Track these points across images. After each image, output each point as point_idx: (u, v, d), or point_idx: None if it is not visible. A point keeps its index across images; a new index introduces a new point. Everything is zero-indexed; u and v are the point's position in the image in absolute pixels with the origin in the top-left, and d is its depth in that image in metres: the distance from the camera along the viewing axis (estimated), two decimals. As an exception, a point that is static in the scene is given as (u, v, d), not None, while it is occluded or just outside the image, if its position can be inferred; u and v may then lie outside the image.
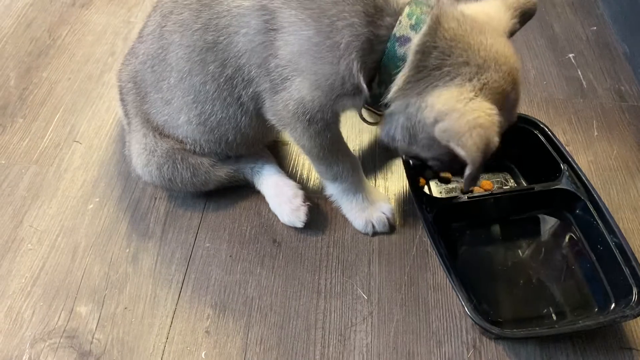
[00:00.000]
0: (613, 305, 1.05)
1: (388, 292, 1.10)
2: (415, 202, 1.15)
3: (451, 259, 1.06)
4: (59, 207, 1.23)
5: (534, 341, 1.04)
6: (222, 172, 1.20)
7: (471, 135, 0.87)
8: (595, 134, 1.40)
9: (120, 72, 1.22)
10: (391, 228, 1.19)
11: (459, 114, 0.89)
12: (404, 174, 1.23)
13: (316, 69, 0.94)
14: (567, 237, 1.18)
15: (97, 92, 1.48)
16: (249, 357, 1.02)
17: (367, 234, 1.18)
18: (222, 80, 1.04)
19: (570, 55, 1.62)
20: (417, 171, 1.21)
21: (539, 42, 1.65)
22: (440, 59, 0.91)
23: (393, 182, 1.29)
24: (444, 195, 1.26)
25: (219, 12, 0.99)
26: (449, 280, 1.04)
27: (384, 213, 1.17)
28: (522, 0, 1.03)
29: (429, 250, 1.16)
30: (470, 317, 0.99)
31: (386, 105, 0.98)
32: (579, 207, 1.17)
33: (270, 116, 1.05)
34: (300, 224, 1.17)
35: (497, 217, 1.21)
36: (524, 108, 1.43)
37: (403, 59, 0.92)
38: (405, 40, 0.91)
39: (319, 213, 1.22)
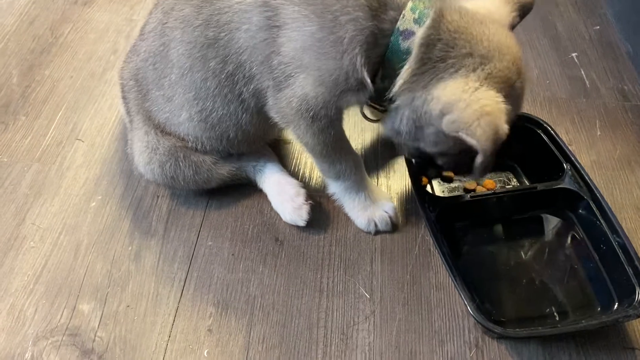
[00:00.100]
0: (616, 305, 1.05)
1: (390, 291, 1.10)
2: (417, 201, 1.15)
3: (454, 258, 1.06)
4: (61, 205, 1.23)
5: (537, 341, 1.04)
6: (225, 170, 1.20)
7: (479, 123, 0.88)
8: (598, 133, 1.40)
9: (122, 70, 1.22)
10: (393, 227, 1.18)
11: (466, 104, 0.89)
12: (407, 173, 1.23)
13: (320, 64, 0.94)
14: (570, 237, 1.18)
15: (100, 90, 1.48)
16: (251, 355, 1.02)
17: (369, 233, 1.18)
18: (223, 76, 1.04)
19: (573, 54, 1.61)
20: (419, 170, 1.20)
21: (542, 41, 1.65)
22: (444, 51, 0.92)
23: (395, 180, 1.29)
24: (446, 195, 1.26)
25: (221, 8, 0.99)
26: (452, 280, 1.04)
27: (386, 212, 1.17)
28: None
29: (432, 249, 1.16)
30: (473, 317, 0.99)
31: (391, 100, 0.98)
32: (582, 206, 1.16)
33: (274, 114, 1.05)
34: (302, 223, 1.17)
35: (499, 217, 1.21)
36: (527, 107, 1.42)
37: (407, 53, 0.92)
38: (409, 34, 0.92)
39: (322, 211, 1.22)
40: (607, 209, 1.11)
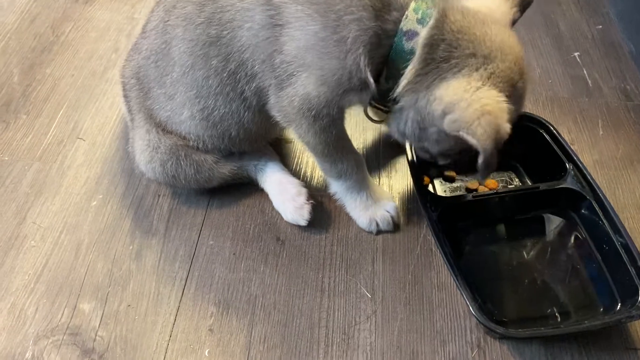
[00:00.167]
0: (619, 305, 1.05)
1: (392, 291, 1.10)
2: (419, 201, 1.15)
3: (455, 258, 1.05)
4: (62, 204, 1.23)
5: (539, 341, 1.03)
6: (226, 169, 1.20)
7: (480, 122, 0.87)
8: (601, 133, 1.40)
9: (124, 68, 1.21)
10: (395, 226, 1.18)
11: (467, 103, 0.89)
12: (408, 172, 1.23)
13: (322, 64, 0.94)
14: (572, 237, 1.18)
15: (101, 88, 1.48)
16: (252, 355, 1.02)
17: (371, 233, 1.18)
18: (225, 74, 1.03)
19: (576, 53, 1.61)
20: (421, 170, 1.20)
21: (544, 40, 1.64)
22: (447, 51, 0.92)
23: (397, 180, 1.28)
24: (448, 194, 1.25)
25: (223, 6, 0.99)
26: (454, 280, 1.03)
27: (388, 211, 1.17)
28: None
29: (433, 249, 1.15)
30: (475, 317, 0.98)
31: (394, 101, 0.98)
32: (585, 206, 1.16)
33: (275, 112, 1.05)
34: (303, 222, 1.17)
35: (501, 217, 1.21)
36: (529, 107, 1.42)
37: (411, 53, 0.92)
38: (413, 34, 0.92)
39: (323, 211, 1.21)
40: (609, 208, 1.11)
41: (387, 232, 1.18)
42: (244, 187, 1.25)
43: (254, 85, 1.03)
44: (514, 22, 1.03)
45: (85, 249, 1.16)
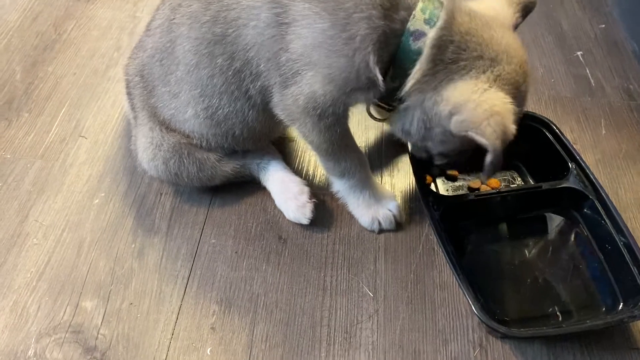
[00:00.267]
0: (621, 305, 1.05)
1: (394, 290, 1.10)
2: (422, 200, 1.15)
3: (458, 258, 1.05)
4: (64, 202, 1.23)
5: (541, 341, 1.03)
6: (228, 167, 1.20)
7: (489, 123, 0.89)
8: (603, 132, 1.39)
9: (127, 65, 1.21)
10: (397, 225, 1.18)
11: (475, 104, 0.91)
12: (411, 171, 1.22)
13: (330, 62, 0.94)
14: (574, 236, 1.18)
15: (103, 87, 1.48)
16: (254, 354, 1.02)
17: (373, 231, 1.18)
18: (230, 73, 1.03)
19: (579, 53, 1.61)
20: (423, 169, 1.20)
21: (547, 39, 1.64)
22: (456, 53, 0.93)
23: (399, 179, 1.28)
24: (450, 193, 1.25)
25: (229, 4, 0.99)
26: (456, 279, 1.03)
27: (390, 210, 1.17)
28: None
29: (436, 248, 1.15)
30: (477, 316, 0.98)
31: (400, 100, 0.99)
32: (587, 205, 1.16)
33: (279, 111, 1.05)
34: (305, 221, 1.17)
35: (504, 216, 1.21)
36: (532, 106, 1.42)
37: (418, 53, 0.93)
38: (420, 34, 0.92)
39: (325, 210, 1.21)
40: (612, 208, 1.11)
41: (389, 231, 1.18)
42: (246, 186, 1.25)
43: (259, 84, 1.03)
44: (515, 27, 1.04)
45: (88, 247, 1.16)
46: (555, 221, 1.20)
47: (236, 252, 1.15)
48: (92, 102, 1.44)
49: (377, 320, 1.06)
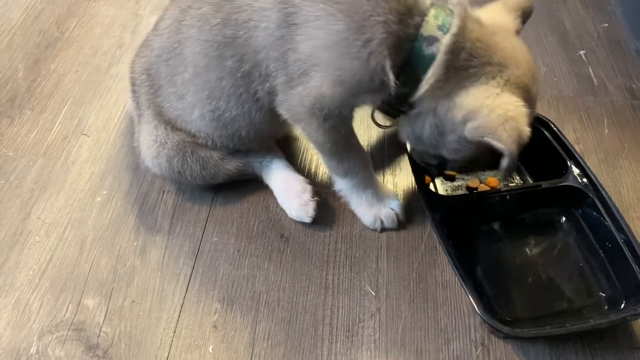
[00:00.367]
0: (623, 303, 1.04)
1: (396, 289, 1.09)
2: (422, 201, 1.14)
3: (459, 257, 1.05)
4: (66, 199, 1.23)
5: (543, 340, 1.03)
6: (231, 166, 1.20)
7: (505, 128, 0.90)
8: (606, 131, 1.39)
9: (134, 63, 1.21)
10: (400, 224, 1.18)
11: (489, 110, 0.92)
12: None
13: (342, 64, 0.94)
14: (575, 235, 1.17)
15: (105, 84, 1.48)
16: (256, 352, 1.02)
17: (375, 230, 1.18)
18: (239, 75, 1.03)
19: (581, 52, 1.60)
20: (422, 169, 1.20)
21: (550, 38, 1.64)
22: (467, 59, 0.94)
23: (401, 178, 1.28)
24: (449, 193, 1.25)
25: (240, 6, 0.98)
26: (458, 279, 1.03)
27: (392, 209, 1.17)
28: (521, 2, 1.07)
29: (438, 247, 1.15)
30: (480, 316, 0.98)
31: (411, 105, 1.00)
32: (587, 204, 1.16)
33: (283, 111, 1.05)
34: (308, 219, 1.17)
35: (504, 215, 1.20)
36: (534, 105, 1.42)
37: (431, 59, 0.93)
38: (433, 40, 0.93)
39: (327, 208, 1.21)
40: (612, 206, 1.10)
41: (391, 229, 1.18)
42: (248, 184, 1.25)
43: (267, 85, 1.03)
44: (517, 32, 1.05)
45: (90, 244, 1.16)
46: (555, 220, 1.20)
47: (238, 250, 1.15)
48: (94, 100, 1.44)
49: (379, 319, 1.05)
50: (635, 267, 1.04)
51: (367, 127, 1.37)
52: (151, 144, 1.16)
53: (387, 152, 1.33)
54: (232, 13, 0.99)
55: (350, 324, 1.05)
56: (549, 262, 1.14)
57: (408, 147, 1.20)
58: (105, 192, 1.25)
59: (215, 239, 1.17)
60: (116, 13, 1.69)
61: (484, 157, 1.05)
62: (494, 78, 0.94)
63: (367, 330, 1.04)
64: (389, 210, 1.16)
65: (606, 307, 1.06)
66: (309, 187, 1.18)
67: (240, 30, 0.99)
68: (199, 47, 1.04)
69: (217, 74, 1.04)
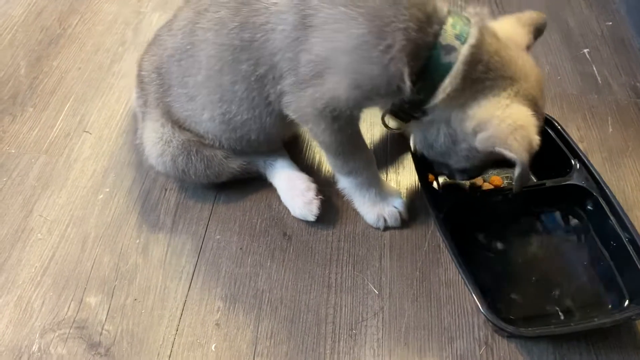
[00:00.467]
0: (627, 302, 1.04)
1: (399, 288, 1.09)
2: (426, 199, 1.14)
3: (463, 256, 1.05)
4: (68, 197, 1.23)
5: (547, 339, 1.03)
6: (235, 164, 1.20)
7: (515, 137, 0.92)
8: (610, 130, 1.39)
9: (143, 60, 1.20)
10: (403, 223, 1.18)
11: (499, 120, 0.93)
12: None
13: (360, 68, 0.93)
14: (579, 234, 1.17)
15: (107, 82, 1.47)
16: (259, 350, 1.01)
17: (378, 229, 1.17)
18: (252, 79, 1.02)
19: (585, 50, 1.60)
20: (426, 167, 1.19)
21: (553, 37, 1.63)
22: (483, 72, 0.95)
23: (405, 176, 1.28)
24: (453, 192, 1.24)
25: (258, 9, 0.98)
26: (462, 277, 1.03)
27: (396, 207, 1.16)
28: (534, 17, 1.09)
29: (441, 245, 1.15)
30: (485, 316, 0.97)
31: (424, 112, 1.00)
32: (591, 202, 1.15)
33: (291, 111, 1.04)
34: (312, 218, 1.16)
35: (507, 214, 1.20)
36: (538, 103, 1.41)
37: (448, 68, 0.94)
38: (450, 49, 0.93)
39: (330, 206, 1.21)
40: (616, 204, 1.10)
41: (394, 228, 1.17)
42: (251, 182, 1.25)
43: (278, 87, 1.02)
44: (527, 48, 1.06)
45: (92, 242, 1.16)
46: (559, 219, 1.20)
47: (241, 249, 1.15)
48: (96, 97, 1.43)
49: (383, 318, 1.05)
50: (639, 265, 1.04)
51: (370, 125, 1.36)
52: (156, 142, 1.16)
53: (391, 150, 1.33)
54: (249, 16, 0.99)
55: (353, 323, 1.04)
56: (553, 261, 1.13)
57: (412, 145, 1.19)
58: (107, 189, 1.24)
59: (217, 237, 1.17)
60: (118, 10, 1.69)
61: (491, 164, 1.09)
62: (504, 90, 0.96)
63: (370, 329, 1.04)
64: (392, 209, 1.16)
65: (610, 306, 1.06)
66: (313, 186, 1.18)
67: (257, 33, 0.99)
68: (214, 51, 1.04)
69: (231, 77, 1.04)
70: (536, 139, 0.94)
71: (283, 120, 1.08)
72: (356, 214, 1.19)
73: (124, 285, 1.09)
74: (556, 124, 1.22)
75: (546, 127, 1.22)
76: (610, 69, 1.54)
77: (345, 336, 1.03)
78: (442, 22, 0.94)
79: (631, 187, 1.26)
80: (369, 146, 1.31)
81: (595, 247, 1.14)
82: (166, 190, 1.24)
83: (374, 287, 1.09)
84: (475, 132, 0.96)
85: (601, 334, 1.03)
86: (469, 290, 1.01)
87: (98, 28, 1.63)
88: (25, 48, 1.55)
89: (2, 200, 1.22)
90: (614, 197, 1.11)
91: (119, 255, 1.14)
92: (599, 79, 1.52)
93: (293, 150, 1.30)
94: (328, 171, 1.27)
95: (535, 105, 0.98)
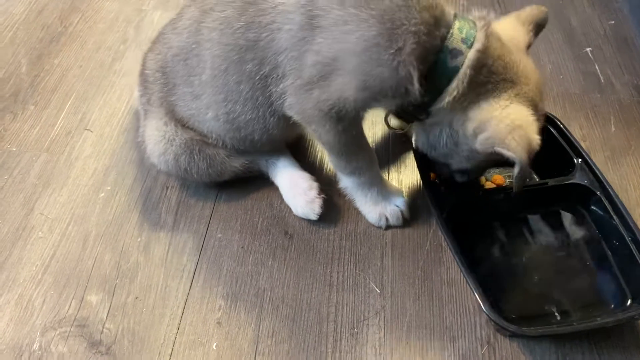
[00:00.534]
0: (629, 301, 1.04)
1: (401, 286, 1.09)
2: (428, 198, 1.14)
3: (465, 255, 1.04)
4: (69, 195, 1.23)
5: (549, 338, 1.02)
6: (238, 163, 1.20)
7: (513, 137, 0.92)
8: (613, 129, 1.38)
9: (147, 59, 1.20)
10: (405, 222, 1.17)
11: (497, 120, 0.94)
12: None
13: (370, 70, 0.93)
14: (581, 233, 1.16)
15: (109, 80, 1.47)
16: (260, 349, 1.01)
17: (380, 227, 1.17)
18: (257, 78, 1.02)
19: (588, 49, 1.59)
20: (428, 166, 1.19)
21: (556, 35, 1.63)
22: (487, 76, 0.96)
23: (407, 175, 1.27)
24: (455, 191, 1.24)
25: (264, 9, 0.98)
26: (464, 276, 1.02)
27: (397, 206, 1.16)
28: (534, 13, 1.09)
29: (443, 244, 1.14)
30: (487, 315, 0.97)
31: (428, 114, 1.01)
32: (594, 202, 1.15)
33: (294, 113, 1.04)
34: (314, 216, 1.16)
35: (510, 212, 1.19)
36: (540, 102, 1.41)
37: (454, 71, 0.94)
38: (457, 53, 0.94)
39: (332, 205, 1.20)
40: (619, 204, 1.10)
41: (396, 227, 1.17)
42: (252, 181, 1.24)
43: (281, 86, 1.02)
44: (529, 46, 1.07)
45: (93, 240, 1.15)
46: (562, 218, 1.19)
47: (242, 247, 1.15)
48: (97, 95, 1.43)
49: (384, 317, 1.05)
50: (642, 265, 1.04)
51: (372, 124, 1.36)
52: (159, 140, 1.16)
53: (393, 149, 1.33)
54: (256, 16, 0.99)
55: (355, 322, 1.04)
56: (556, 260, 1.13)
57: (414, 144, 1.19)
58: (108, 187, 1.24)
59: (219, 235, 1.17)
60: (120, 8, 1.69)
61: (492, 165, 1.10)
62: (505, 92, 0.97)
63: (371, 327, 1.03)
64: (394, 208, 1.16)
65: (612, 306, 1.05)
66: (315, 185, 1.18)
67: (263, 32, 0.98)
68: (219, 51, 1.03)
69: (236, 77, 1.04)
70: (536, 139, 0.95)
71: (286, 120, 1.08)
72: (358, 212, 1.19)
73: (125, 284, 1.09)
74: (559, 123, 1.22)
75: (549, 126, 1.23)
76: (612, 67, 1.54)
77: (346, 335, 1.03)
78: (449, 26, 0.95)
79: (634, 186, 1.26)
80: (371, 145, 1.31)
81: (597, 246, 1.13)
82: (167, 188, 1.24)
83: (376, 286, 1.09)
84: (475, 134, 0.96)
85: (604, 333, 1.02)
86: (471, 289, 1.01)
87: (99, 26, 1.62)
88: (27, 46, 1.55)
89: (3, 198, 1.22)
90: (616, 196, 1.11)
91: (120, 254, 1.13)
92: (601, 78, 1.51)
93: (295, 149, 1.30)
94: (330, 170, 1.27)
95: (534, 107, 0.99)
